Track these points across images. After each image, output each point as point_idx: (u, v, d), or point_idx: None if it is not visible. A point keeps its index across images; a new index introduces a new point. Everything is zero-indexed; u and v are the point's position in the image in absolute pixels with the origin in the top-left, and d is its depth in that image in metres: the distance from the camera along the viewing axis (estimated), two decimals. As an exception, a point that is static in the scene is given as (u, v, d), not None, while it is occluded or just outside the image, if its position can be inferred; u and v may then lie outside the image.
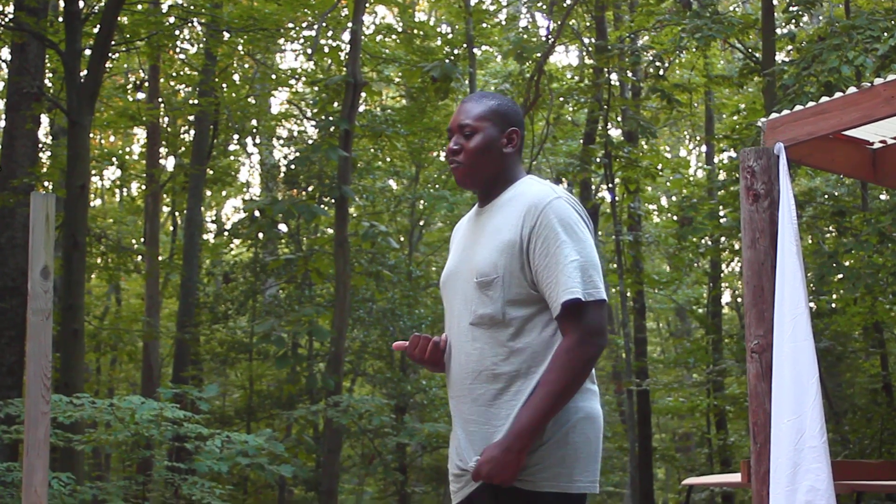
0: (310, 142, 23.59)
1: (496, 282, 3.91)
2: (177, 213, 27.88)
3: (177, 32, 21.00)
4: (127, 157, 29.18)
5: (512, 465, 3.76)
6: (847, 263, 15.89)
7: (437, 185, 25.93)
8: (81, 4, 16.55)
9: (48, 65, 18.84)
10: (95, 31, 16.60)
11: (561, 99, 22.40)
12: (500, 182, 4.12)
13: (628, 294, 22.43)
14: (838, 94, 5.07)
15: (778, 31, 16.49)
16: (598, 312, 3.85)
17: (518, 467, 3.77)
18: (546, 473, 3.82)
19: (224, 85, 23.37)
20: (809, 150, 5.35)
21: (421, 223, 27.47)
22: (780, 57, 16.43)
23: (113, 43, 16.84)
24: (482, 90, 21.04)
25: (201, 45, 22.67)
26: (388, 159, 25.29)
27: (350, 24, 18.95)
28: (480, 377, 3.93)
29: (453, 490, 4.09)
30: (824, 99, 5.14)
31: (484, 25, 22.19)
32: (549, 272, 3.84)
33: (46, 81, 19.29)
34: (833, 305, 17.71)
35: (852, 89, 5.01)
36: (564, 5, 19.82)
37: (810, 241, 17.98)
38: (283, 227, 23.75)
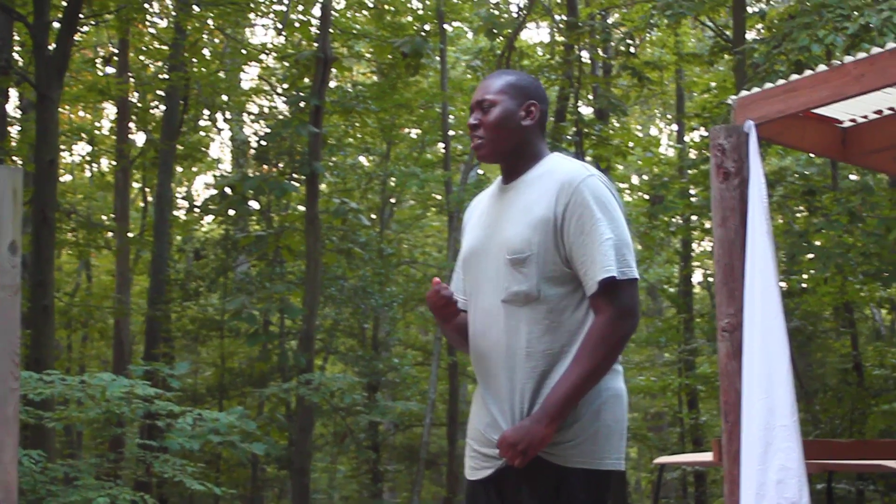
0: (280, 118, 23.50)
1: (531, 259, 3.94)
2: (147, 189, 27.74)
3: (146, 6, 20.86)
4: (97, 132, 28.99)
5: (540, 437, 3.79)
6: (817, 243, 15.96)
7: (408, 163, 25.88)
8: (50, -23, 16.42)
9: (16, 38, 18.69)
10: (64, 3, 16.48)
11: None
12: (525, 157, 4.16)
13: (599, 272, 22.43)
14: (808, 73, 5.06)
15: (749, 9, 16.50)
16: (632, 291, 3.92)
17: (547, 439, 3.81)
18: (577, 450, 3.87)
19: (194, 60, 23.22)
20: (780, 129, 5.34)
21: (392, 200, 27.43)
22: (750, 35, 16.46)
23: (81, 16, 16.71)
24: (449, 66, 21.00)
25: (171, 19, 22.54)
26: (359, 136, 25.23)
27: None
28: (516, 355, 3.95)
29: (474, 467, 4.11)
30: (794, 77, 5.12)
31: (455, 1, 22.13)
32: (585, 250, 3.89)
33: (14, 55, 19.13)
34: (804, 285, 17.76)
35: (822, 67, 5.00)
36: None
37: (781, 221, 18.04)
38: (253, 204, 23.67)
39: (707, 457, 11.62)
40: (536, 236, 3.93)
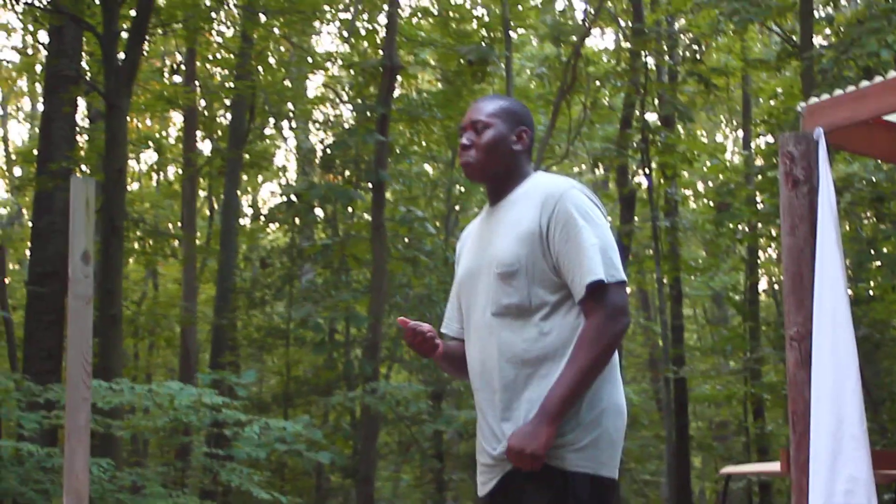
0: (346, 126, 23.59)
1: (519, 272, 4.02)
2: (213, 198, 27.94)
3: (213, 15, 21.01)
4: (164, 140, 29.25)
5: (542, 437, 3.83)
6: (885, 250, 15.81)
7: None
8: (119, -13, 16.56)
9: (86, 48, 18.85)
10: (132, 13, 16.62)
11: (598, 83, 22.33)
12: (511, 179, 4.26)
13: (665, 280, 22.36)
14: (878, 79, 5.02)
15: (816, 14, 16.39)
16: (620, 292, 3.97)
17: (549, 441, 3.84)
18: (579, 455, 3.89)
19: (260, 68, 23.36)
20: (849, 136, 5.31)
21: (457, 208, 27.42)
22: (818, 40, 16.34)
23: (150, 25, 16.85)
24: (515, 73, 20.99)
25: (238, 28, 22.68)
26: (425, 143, 25.25)
27: (386, 7, 18.94)
28: (511, 363, 4.01)
29: (482, 482, 4.15)
30: (864, 83, 5.09)
31: (520, 8, 22.11)
32: (571, 256, 3.96)
33: (84, 64, 19.31)
34: (871, 293, 17.61)
35: (892, 73, 4.96)
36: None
37: (848, 228, 17.89)
38: (319, 212, 23.76)
39: (774, 466, 11.54)
40: (524, 249, 4.02)
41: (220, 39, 24.19)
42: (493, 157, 4.20)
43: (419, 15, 23.33)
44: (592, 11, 20.54)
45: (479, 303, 4.16)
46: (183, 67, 24.52)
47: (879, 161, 15.66)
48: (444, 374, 23.28)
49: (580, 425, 3.90)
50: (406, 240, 22.17)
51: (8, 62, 27.44)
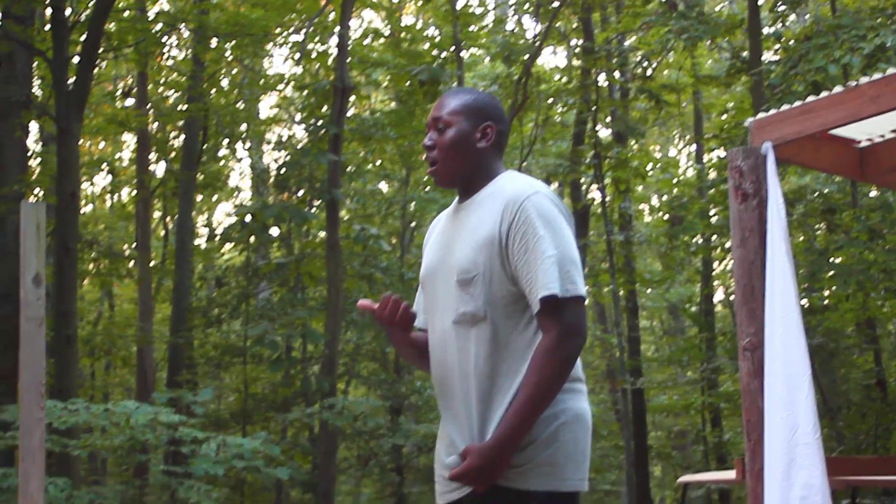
0: (300, 146, 23.60)
1: (477, 279, 3.87)
2: (168, 219, 27.88)
3: (164, 39, 21.01)
4: (117, 163, 29.19)
5: (495, 470, 3.75)
6: (838, 260, 15.96)
7: (427, 188, 25.94)
8: (68, 12, 16.56)
9: (36, 72, 18.83)
10: (83, 38, 16.62)
11: (549, 100, 22.45)
12: (479, 178, 4.06)
13: (621, 293, 22.48)
14: (825, 94, 5.11)
15: (764, 30, 16.54)
16: (577, 309, 3.80)
17: (500, 471, 3.75)
18: (536, 472, 3.78)
19: (213, 90, 23.37)
20: (797, 149, 5.38)
21: (412, 225, 27.47)
22: (766, 56, 16.48)
23: (100, 50, 16.86)
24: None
25: (189, 51, 22.68)
26: (378, 162, 25.31)
27: (337, 29, 18.99)
28: (468, 376, 3.89)
29: (440, 492, 4.04)
30: (811, 98, 5.17)
31: (471, 28, 22.22)
32: (528, 268, 3.80)
33: (35, 89, 19.28)
34: (825, 302, 17.76)
35: (839, 88, 5.05)
36: (551, 7, 19.87)
37: (801, 239, 18.05)
38: (274, 231, 23.75)
39: (731, 475, 11.63)
40: (482, 256, 3.87)
41: (171, 62, 24.19)
42: (457, 158, 4.03)
43: (371, 36, 23.38)
44: (542, 30, 20.64)
45: (438, 308, 4.04)
46: (135, 90, 24.49)
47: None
48: (402, 388, 23.40)
49: (533, 442, 3.78)
50: (361, 257, 22.18)
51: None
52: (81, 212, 22.40)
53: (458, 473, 3.80)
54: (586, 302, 3.92)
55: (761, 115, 5.32)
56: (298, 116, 25.20)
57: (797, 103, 5.18)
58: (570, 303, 3.78)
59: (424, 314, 4.23)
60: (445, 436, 4.03)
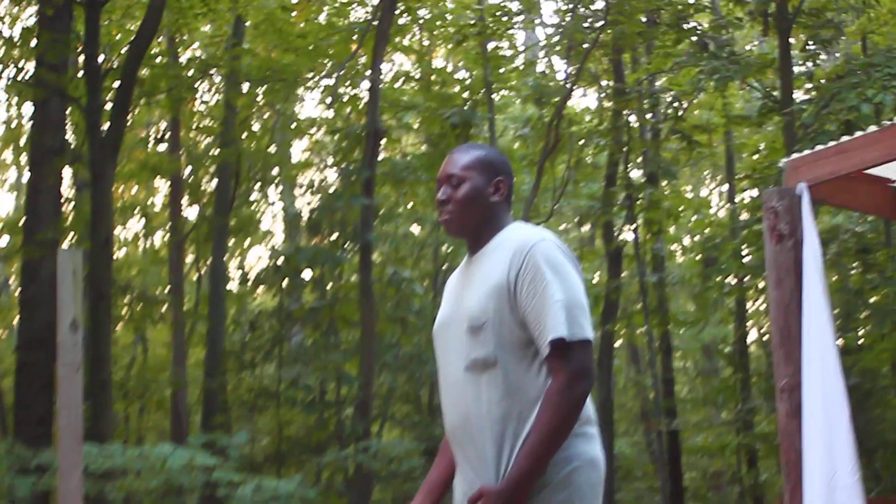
0: (332, 190, 23.67)
1: (486, 325, 3.95)
2: (201, 263, 27.96)
3: (196, 85, 21.14)
4: (150, 208, 29.32)
5: None
6: (873, 300, 15.88)
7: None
8: (101, 59, 16.70)
9: (70, 119, 18.97)
10: (116, 85, 16.74)
11: (581, 142, 22.46)
12: (489, 230, 4.17)
13: (654, 334, 22.41)
14: (859, 133, 5.10)
15: (795, 69, 16.52)
16: (584, 352, 3.87)
17: None
18: None
19: (244, 135, 23.49)
20: (832, 190, 5.37)
21: (444, 267, 27.47)
22: (798, 95, 16.46)
23: (133, 96, 16.97)
24: (498, 134, 21.12)
25: (221, 97, 22.81)
26: (410, 205, 25.35)
27: (368, 73, 19.07)
28: (480, 421, 3.95)
29: None
30: (845, 138, 5.17)
31: (502, 71, 22.26)
32: (536, 312, 3.88)
33: (69, 136, 19.41)
34: (860, 342, 17.65)
35: (872, 127, 5.04)
36: (582, 49, 19.89)
37: (835, 279, 17.95)
38: (307, 275, 23.80)
39: (769, 517, 11.55)
40: (492, 303, 3.95)
41: (203, 108, 24.32)
42: (471, 212, 4.15)
43: (402, 79, 23.46)
44: (574, 72, 20.68)
45: (451, 356, 4.11)
46: (167, 136, 24.64)
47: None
48: (436, 430, 23.34)
49: (548, 485, 3.82)
50: (394, 300, 22.20)
51: (-7, 134, 27.49)
52: (115, 257, 22.50)
53: None
54: (593, 345, 3.97)
55: (795, 155, 5.32)
56: (330, 160, 25.27)
57: (831, 143, 5.18)
58: (578, 346, 3.86)
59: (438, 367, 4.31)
60: (461, 481, 4.09)
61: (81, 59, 17.15)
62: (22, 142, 24.72)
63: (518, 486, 3.77)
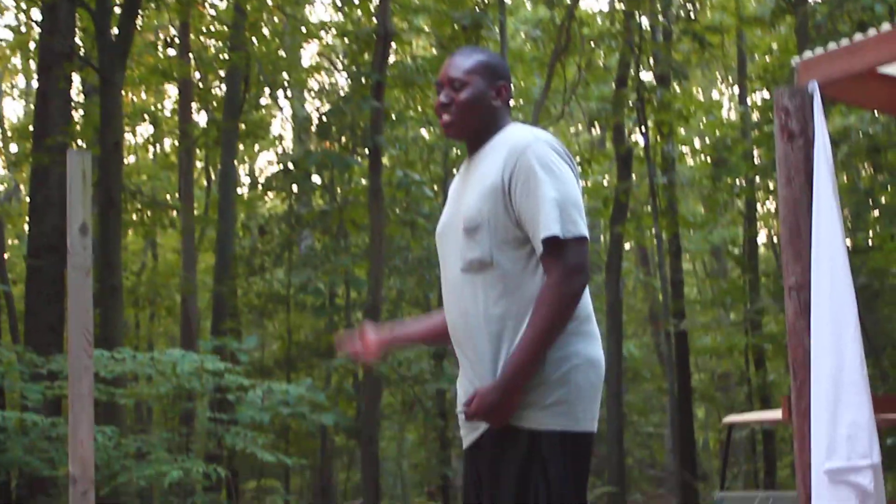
0: (342, 93, 23.59)
1: (482, 226, 3.96)
2: (210, 168, 27.96)
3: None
4: (159, 113, 29.28)
5: (503, 406, 3.82)
6: (883, 200, 15.87)
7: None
8: (110, -38, 16.57)
9: (79, 24, 18.85)
10: (125, -12, 16.64)
11: (592, 44, 22.33)
12: (488, 134, 4.17)
13: (664, 236, 22.43)
14: (872, 31, 5.05)
15: (809, -32, 16.37)
16: (579, 249, 3.87)
17: (510, 408, 3.83)
18: (548, 412, 3.85)
19: (254, 39, 23.36)
20: (844, 88, 5.33)
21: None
22: (811, -5, 16.32)
23: (142, 0, 16.87)
24: (509, 37, 20.98)
25: (230, 0, 22.67)
26: (420, 109, 25.27)
27: (379, -26, 18.91)
28: (478, 320, 3.97)
29: (463, 434, 4.14)
30: (858, 36, 5.12)
31: (513, -28, 22.10)
32: (530, 212, 3.88)
33: (77, 40, 19.32)
34: (870, 242, 17.67)
35: (886, 26, 5.00)
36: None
37: (846, 179, 17.94)
38: (316, 179, 23.80)
39: (776, 414, 11.61)
40: (487, 204, 3.96)
41: (213, 12, 24.18)
42: (473, 116, 4.15)
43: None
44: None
45: (450, 258, 4.14)
46: (177, 40, 24.52)
47: (875, 113, 15.71)
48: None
49: (544, 383, 3.84)
50: (404, 203, 22.21)
51: (1, 40, 27.38)
52: (125, 162, 22.49)
53: (471, 412, 3.88)
54: (588, 242, 3.97)
55: (807, 54, 5.28)
56: (340, 64, 25.17)
57: (844, 42, 5.14)
58: (572, 243, 3.86)
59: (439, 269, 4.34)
60: (462, 380, 4.12)
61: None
62: (31, 47, 24.60)
63: (511, 381, 3.81)
